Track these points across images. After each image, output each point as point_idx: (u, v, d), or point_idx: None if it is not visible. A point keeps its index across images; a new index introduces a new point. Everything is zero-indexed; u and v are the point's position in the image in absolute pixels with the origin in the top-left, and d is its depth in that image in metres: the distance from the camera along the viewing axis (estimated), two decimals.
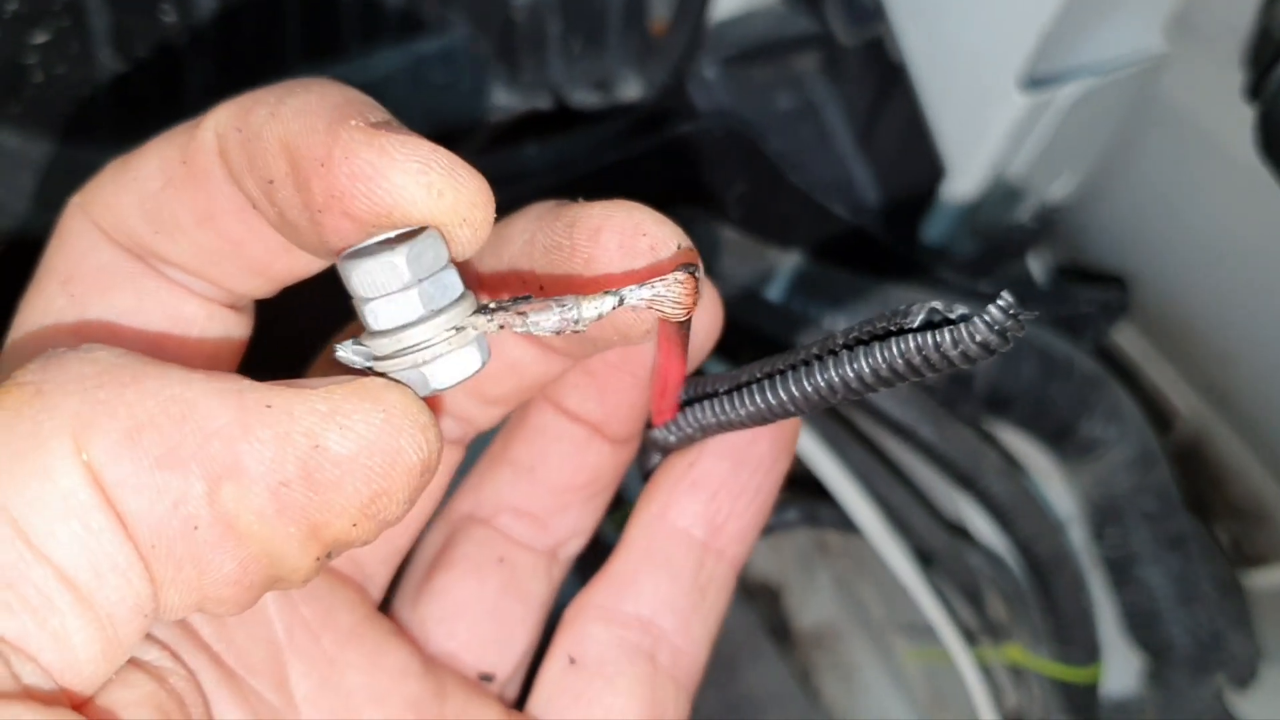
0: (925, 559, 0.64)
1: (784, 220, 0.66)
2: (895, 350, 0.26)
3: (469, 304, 0.26)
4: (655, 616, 0.34)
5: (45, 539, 0.22)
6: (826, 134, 0.69)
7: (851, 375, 0.27)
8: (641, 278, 0.27)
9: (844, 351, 0.27)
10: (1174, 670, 0.70)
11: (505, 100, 0.64)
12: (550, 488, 0.36)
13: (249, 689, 0.30)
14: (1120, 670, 0.72)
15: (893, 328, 0.26)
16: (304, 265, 0.29)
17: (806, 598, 0.87)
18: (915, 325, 0.26)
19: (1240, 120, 0.66)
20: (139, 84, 0.57)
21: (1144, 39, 0.65)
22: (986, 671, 0.66)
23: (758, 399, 0.29)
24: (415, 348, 0.25)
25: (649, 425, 0.34)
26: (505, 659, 0.36)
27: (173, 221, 0.28)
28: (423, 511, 0.36)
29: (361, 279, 0.25)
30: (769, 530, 0.70)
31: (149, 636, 0.28)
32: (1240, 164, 0.67)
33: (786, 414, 0.29)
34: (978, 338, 0.24)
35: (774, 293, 0.64)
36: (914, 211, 0.69)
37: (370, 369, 0.26)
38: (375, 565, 0.35)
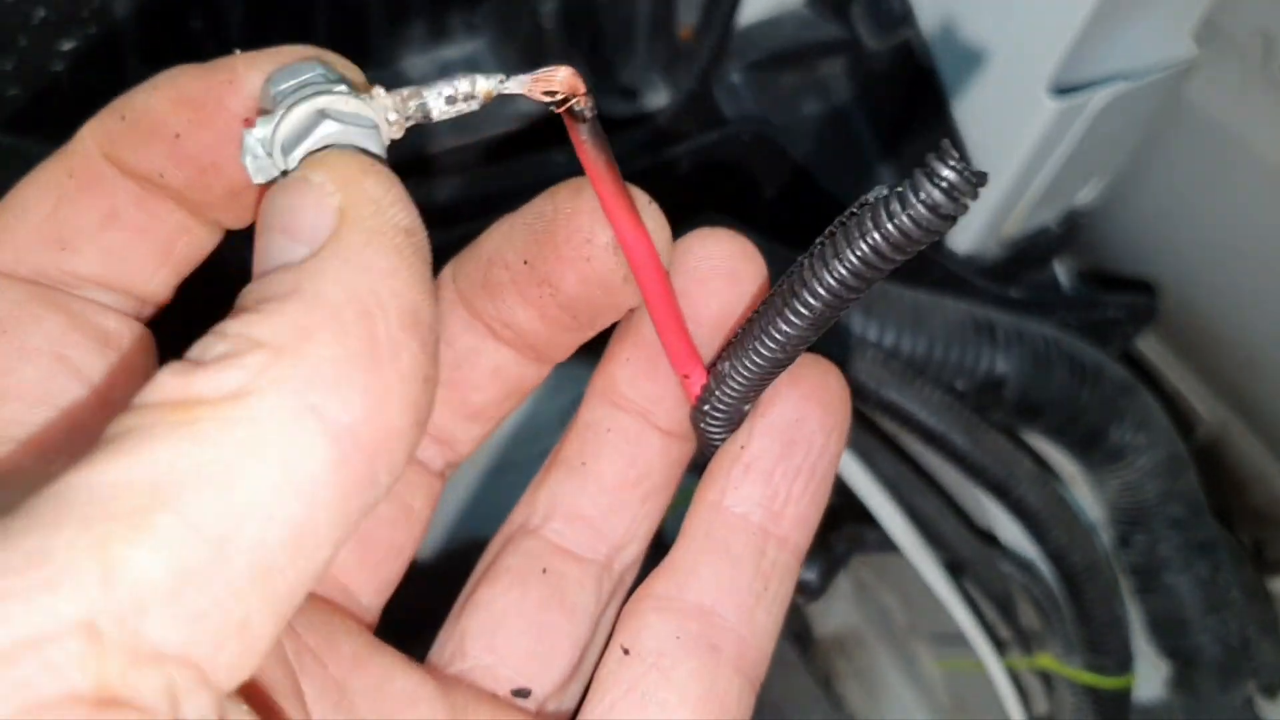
0: (957, 568, 0.64)
1: (813, 227, 0.65)
2: (856, 232, 0.25)
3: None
4: (716, 606, 0.32)
5: (257, 528, 0.21)
6: (853, 139, 0.69)
7: (828, 274, 0.26)
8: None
9: (818, 250, 0.27)
10: (1202, 677, 0.70)
11: (532, 108, 0.63)
12: (602, 485, 0.35)
13: (273, 705, 0.30)
14: (1146, 677, 0.72)
15: (855, 210, 0.26)
16: (202, 243, 0.31)
17: (828, 604, 0.87)
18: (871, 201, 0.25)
19: (1268, 125, 0.66)
20: None
21: (1173, 44, 0.65)
22: (1016, 679, 0.66)
23: (758, 330, 0.29)
24: (314, 89, 0.26)
25: (691, 410, 0.33)
26: (545, 673, 0.35)
27: (76, 232, 0.30)
28: (407, 543, 0.36)
29: (279, 75, 0.27)
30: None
31: None
32: (1267, 168, 0.67)
33: (794, 337, 0.28)
34: (920, 195, 0.23)
35: None
36: None
37: (279, 174, 0.26)
38: (369, 596, 0.35)
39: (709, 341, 0.32)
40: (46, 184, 0.30)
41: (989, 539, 0.66)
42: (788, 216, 0.67)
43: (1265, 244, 0.70)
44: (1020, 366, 0.63)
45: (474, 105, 0.28)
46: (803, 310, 0.27)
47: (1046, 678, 0.68)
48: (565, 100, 0.27)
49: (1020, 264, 0.71)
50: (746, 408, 0.32)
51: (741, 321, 0.32)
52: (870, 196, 0.25)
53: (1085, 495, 0.71)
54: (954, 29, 0.64)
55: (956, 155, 0.23)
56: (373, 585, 0.35)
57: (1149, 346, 0.83)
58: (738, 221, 0.65)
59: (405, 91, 0.27)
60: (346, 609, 0.35)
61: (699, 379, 0.32)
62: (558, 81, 0.27)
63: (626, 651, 0.32)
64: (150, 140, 0.29)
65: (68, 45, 0.53)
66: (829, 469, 0.33)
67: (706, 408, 0.32)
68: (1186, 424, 0.83)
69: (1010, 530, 0.65)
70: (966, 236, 0.69)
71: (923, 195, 0.23)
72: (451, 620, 0.36)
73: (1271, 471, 0.81)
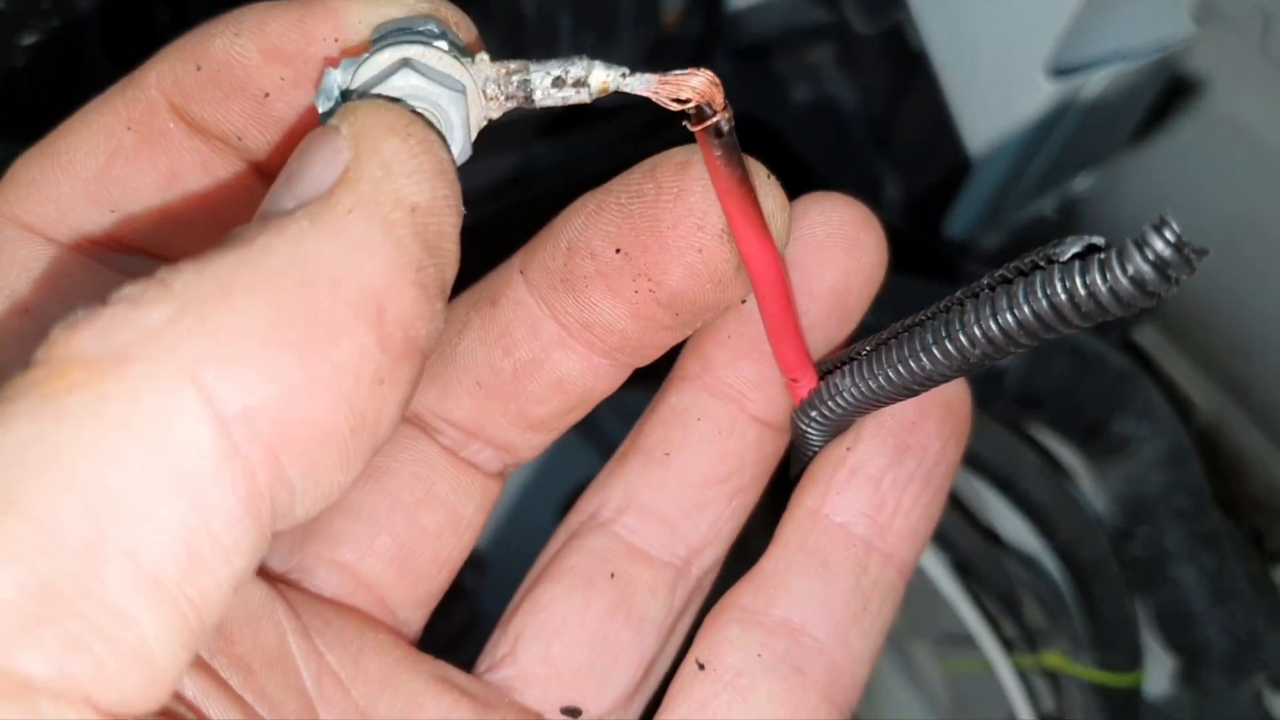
0: (961, 566, 0.62)
1: None
2: (1040, 288, 0.22)
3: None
4: (807, 624, 0.29)
5: (132, 534, 0.17)
6: (845, 127, 0.67)
7: (994, 323, 0.23)
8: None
9: (987, 293, 0.24)
10: (1211, 671, 0.69)
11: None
12: (686, 479, 0.32)
13: None
14: (1152, 672, 0.71)
15: (1041, 262, 0.23)
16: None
17: None
18: (1066, 258, 0.22)
19: (1267, 105, 0.64)
20: None
21: (1171, 23, 0.63)
22: (1024, 678, 0.64)
23: (895, 356, 0.26)
24: (411, 38, 0.23)
25: (794, 411, 0.30)
26: (602, 690, 0.32)
27: (130, 195, 0.26)
28: (454, 554, 0.32)
29: (387, 28, 0.24)
30: None
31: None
32: (1266, 150, 0.65)
33: (934, 374, 0.26)
34: (1129, 270, 0.21)
35: None
36: (937, 204, 0.67)
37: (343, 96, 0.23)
38: (409, 610, 0.32)
39: (821, 321, 0.29)
40: (99, 134, 0.26)
41: (992, 536, 0.64)
42: None
43: (1264, 228, 0.69)
44: (1020, 356, 0.62)
45: (585, 96, 0.24)
46: (953, 352, 0.24)
47: (1053, 676, 0.66)
48: (700, 112, 0.24)
49: (1017, 253, 0.70)
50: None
51: (855, 329, 0.29)
52: (1065, 249, 0.22)
53: (1086, 488, 0.70)
54: (947, 11, 0.62)
55: (1175, 228, 0.21)
56: (413, 598, 0.32)
57: (1143, 334, 0.81)
58: None
59: (512, 64, 0.24)
60: (382, 622, 0.31)
61: (809, 383, 0.29)
62: (691, 88, 0.24)
63: (702, 666, 0.29)
64: (232, 97, 0.25)
65: (29, 40, 0.50)
66: (945, 479, 0.30)
67: (814, 414, 0.29)
68: (1183, 412, 0.82)
69: (1013, 525, 0.64)
70: (963, 224, 0.67)
71: (1130, 269, 0.21)
72: (506, 618, 0.33)
73: (1269, 460, 0.80)
